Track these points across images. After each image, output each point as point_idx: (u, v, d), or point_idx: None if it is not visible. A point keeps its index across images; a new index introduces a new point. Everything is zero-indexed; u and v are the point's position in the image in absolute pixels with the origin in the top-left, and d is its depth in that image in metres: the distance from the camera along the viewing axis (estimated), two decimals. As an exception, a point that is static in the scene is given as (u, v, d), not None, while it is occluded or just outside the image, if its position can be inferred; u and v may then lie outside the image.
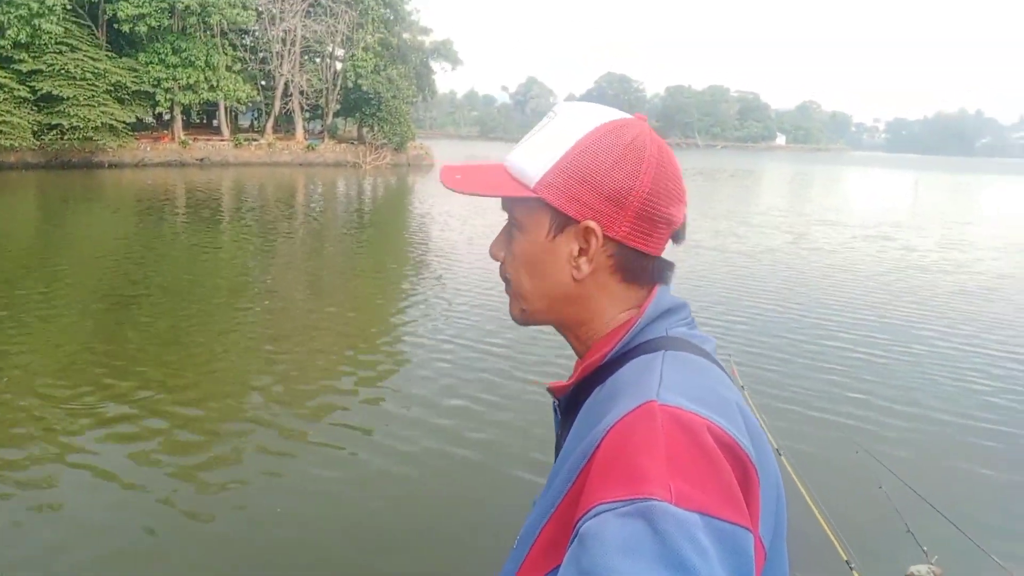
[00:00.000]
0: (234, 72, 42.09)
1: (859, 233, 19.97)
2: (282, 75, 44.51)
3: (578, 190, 0.87)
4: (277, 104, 45.37)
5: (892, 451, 5.77)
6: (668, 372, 0.80)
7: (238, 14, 39.52)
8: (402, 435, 6.00)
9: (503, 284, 0.97)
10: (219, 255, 14.14)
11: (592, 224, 0.87)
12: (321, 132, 49.73)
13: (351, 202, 26.74)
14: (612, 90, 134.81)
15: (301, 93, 45.79)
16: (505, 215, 0.95)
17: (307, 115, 49.85)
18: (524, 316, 0.96)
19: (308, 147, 45.07)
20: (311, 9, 44.58)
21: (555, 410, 1.01)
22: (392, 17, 49.03)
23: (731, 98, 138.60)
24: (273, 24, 42.97)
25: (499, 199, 0.93)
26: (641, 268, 0.91)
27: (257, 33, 44.00)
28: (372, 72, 45.03)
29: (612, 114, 0.91)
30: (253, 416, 6.30)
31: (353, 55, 45.47)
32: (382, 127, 46.35)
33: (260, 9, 42.07)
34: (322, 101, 48.04)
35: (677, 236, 0.94)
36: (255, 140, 44.14)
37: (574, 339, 0.96)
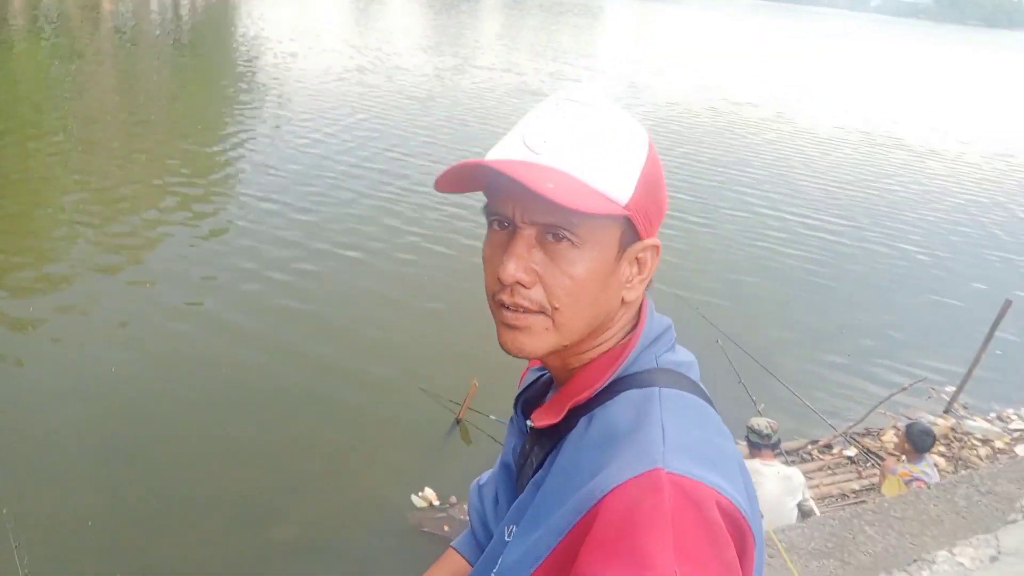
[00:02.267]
0: None
1: (681, 78, 20.86)
2: None
3: (651, 208, 0.83)
4: None
5: (722, 315, 6.37)
6: (669, 423, 0.76)
7: None
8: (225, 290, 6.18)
9: (510, 315, 0.82)
10: (15, 76, 12.76)
11: (658, 242, 0.85)
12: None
13: (166, 18, 24.35)
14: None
15: None
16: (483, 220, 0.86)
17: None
18: (552, 348, 0.83)
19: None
20: None
21: (517, 425, 0.98)
22: None
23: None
24: None
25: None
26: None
27: None
28: None
29: (639, 125, 0.85)
30: (58, 250, 6.23)
31: None
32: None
33: None
34: None
35: None
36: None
37: (559, 361, 0.88)
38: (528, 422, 0.90)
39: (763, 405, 5.03)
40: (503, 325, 0.82)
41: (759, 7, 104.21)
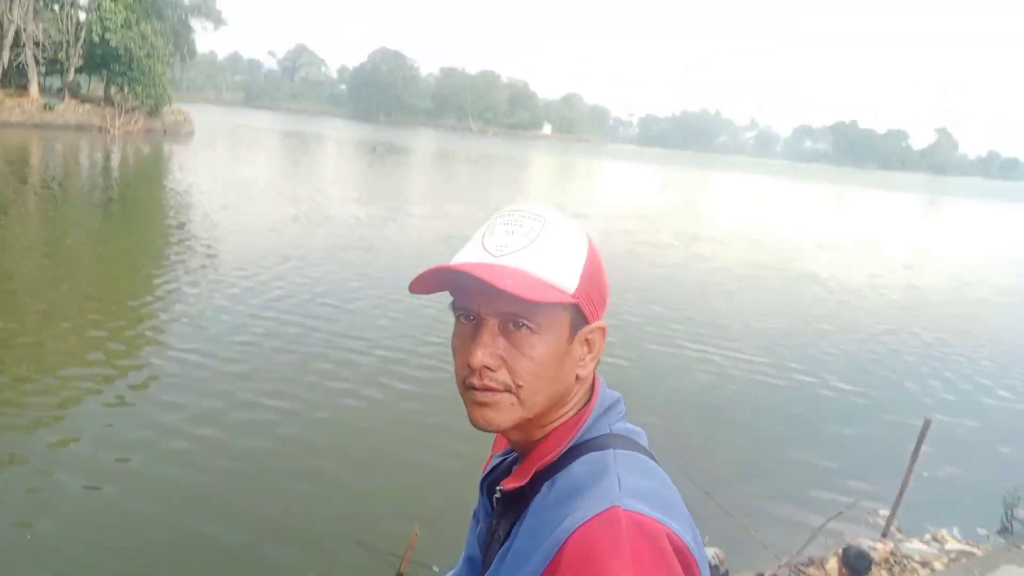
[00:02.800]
0: (-50, 14, 36.46)
1: (606, 226, 21.82)
2: (11, 22, 39.24)
3: (595, 296, 0.95)
4: (6, 55, 39.96)
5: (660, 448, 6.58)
6: (624, 474, 0.87)
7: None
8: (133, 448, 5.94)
9: (479, 394, 0.92)
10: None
11: (604, 324, 0.97)
12: (61, 90, 44.52)
13: (96, 172, 24.47)
14: (387, 65, 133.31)
15: (36, 44, 40.67)
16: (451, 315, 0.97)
17: (44, 70, 44.39)
18: (517, 422, 0.94)
19: (45, 107, 40.08)
20: (48, -51, 39.63)
21: (485, 495, 1.09)
22: (146, -32, 44.94)
23: (502, 85, 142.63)
24: (1, -37, 37.71)
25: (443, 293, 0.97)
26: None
27: (-20, -28, 38.28)
28: (123, 26, 41.10)
29: (581, 227, 0.99)
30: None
31: (100, 5, 41.14)
32: (133, 88, 42.47)
33: (-17, -59, 36.68)
34: (62, 55, 42.99)
35: None
36: (-24, 95, 38.44)
37: (522, 435, 0.98)
38: (497, 490, 1.00)
39: (707, 536, 5.00)
40: (473, 404, 0.93)
41: (670, 158, 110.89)
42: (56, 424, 5.99)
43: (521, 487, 0.96)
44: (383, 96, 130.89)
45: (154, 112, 43.76)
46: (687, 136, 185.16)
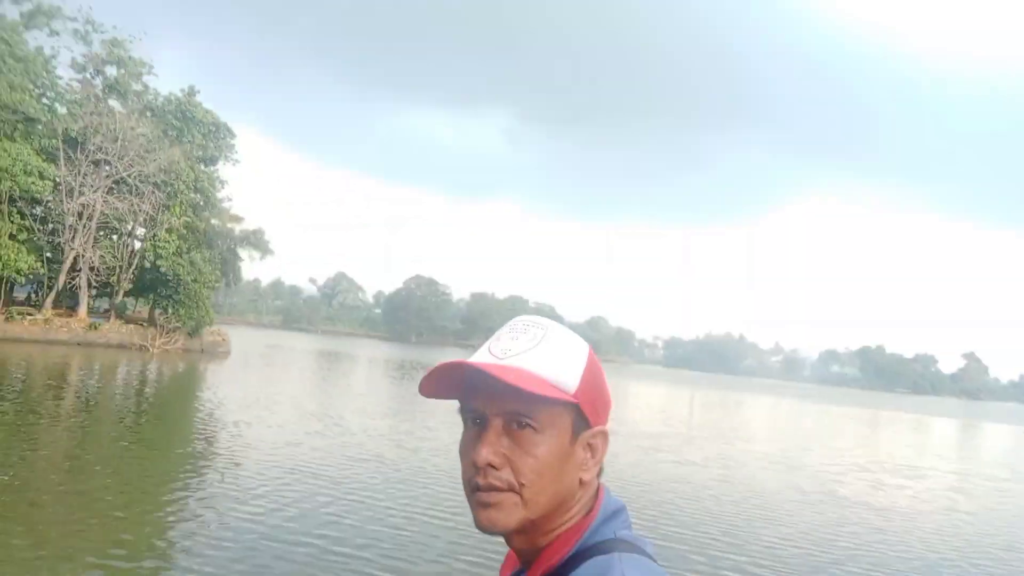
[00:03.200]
0: (18, 241, 39.36)
1: (634, 444, 21.42)
2: (72, 249, 42.14)
3: (597, 399, 0.99)
4: (62, 278, 42.50)
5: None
6: (629, 572, 0.87)
7: (33, 183, 37.70)
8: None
9: (483, 495, 0.95)
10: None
11: (607, 429, 1.00)
12: (108, 311, 46.76)
13: (130, 388, 24.98)
14: (420, 291, 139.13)
15: (92, 269, 43.35)
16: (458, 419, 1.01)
17: (95, 292, 46.95)
18: (521, 523, 0.95)
19: (91, 326, 41.95)
20: (115, 186, 43.39)
21: None
22: (202, 202, 48.79)
23: (530, 308, 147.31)
24: (71, 197, 41.25)
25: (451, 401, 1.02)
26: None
27: (51, 204, 41.81)
28: (174, 254, 43.91)
29: (581, 339, 1.05)
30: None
31: (155, 235, 44.27)
32: (177, 310, 44.49)
33: (59, 180, 40.37)
34: (113, 279, 45.64)
35: None
36: (31, 315, 40.51)
37: (527, 542, 0.99)
38: None
39: None
40: (478, 505, 0.95)
41: (698, 380, 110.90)
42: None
43: None
44: (415, 319, 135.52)
45: (195, 332, 45.41)
46: (712, 359, 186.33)
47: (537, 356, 0.97)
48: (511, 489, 0.94)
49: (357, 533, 9.30)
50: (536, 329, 1.00)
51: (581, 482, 0.98)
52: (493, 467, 0.94)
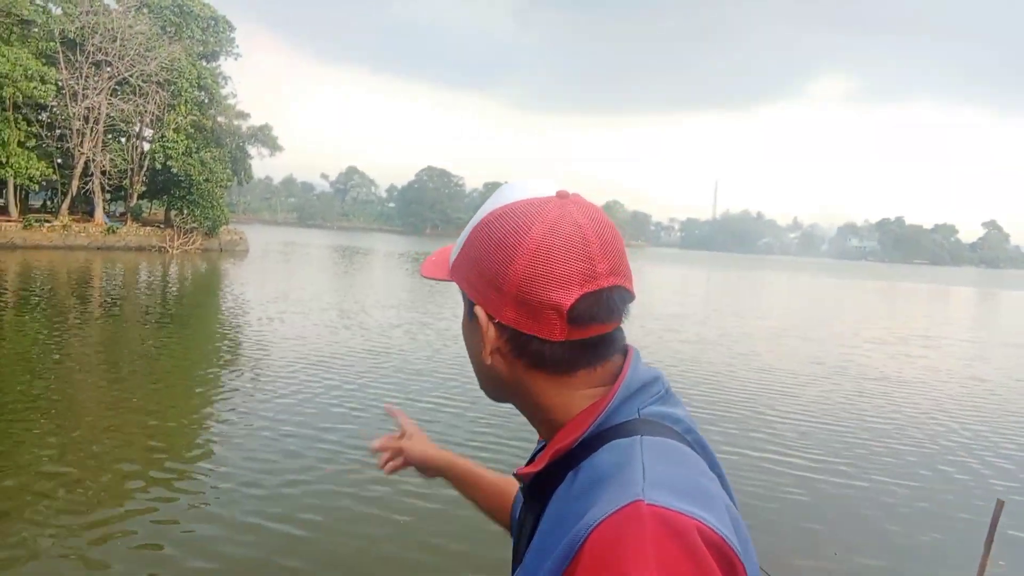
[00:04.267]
0: (27, 148, 39.16)
1: (647, 326, 21.68)
2: (82, 154, 41.96)
3: (471, 275, 0.88)
4: (75, 184, 42.55)
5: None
6: (650, 462, 0.77)
7: (35, 88, 37.13)
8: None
9: None
10: None
11: (478, 309, 0.87)
12: (124, 215, 46.98)
13: (154, 290, 25.39)
14: (433, 183, 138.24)
15: (103, 173, 43.27)
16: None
17: (109, 196, 47.04)
18: (486, 393, 0.98)
19: (108, 230, 42.26)
20: (118, 87, 42.69)
21: (520, 493, 1.00)
22: (207, 100, 48.02)
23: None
24: (75, 101, 40.70)
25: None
26: (561, 356, 0.87)
27: (56, 109, 41.32)
28: (183, 154, 43.65)
29: (520, 193, 0.89)
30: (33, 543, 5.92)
31: (163, 136, 43.87)
32: (192, 211, 44.64)
33: (61, 84, 39.72)
34: (126, 182, 45.59)
35: (612, 314, 0.87)
36: (48, 222, 40.78)
37: (536, 424, 0.94)
38: (514, 475, 0.94)
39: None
40: None
41: (714, 260, 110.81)
42: (102, 527, 5.98)
43: (538, 475, 0.88)
44: (429, 211, 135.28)
45: (211, 232, 45.69)
46: (730, 238, 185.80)
47: (463, 235, 0.93)
48: None
49: (375, 424, 9.60)
50: (487, 204, 0.92)
51: (487, 364, 0.90)
52: None
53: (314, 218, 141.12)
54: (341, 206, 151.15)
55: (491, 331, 0.87)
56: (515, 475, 0.94)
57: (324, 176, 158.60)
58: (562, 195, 0.88)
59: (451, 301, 22.51)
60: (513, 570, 0.94)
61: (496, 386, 0.93)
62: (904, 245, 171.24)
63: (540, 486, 0.88)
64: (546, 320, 0.84)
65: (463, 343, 0.96)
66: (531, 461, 0.97)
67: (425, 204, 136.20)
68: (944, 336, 24.92)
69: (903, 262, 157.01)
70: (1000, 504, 5.21)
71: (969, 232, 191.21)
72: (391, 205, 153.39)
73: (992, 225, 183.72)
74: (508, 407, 0.95)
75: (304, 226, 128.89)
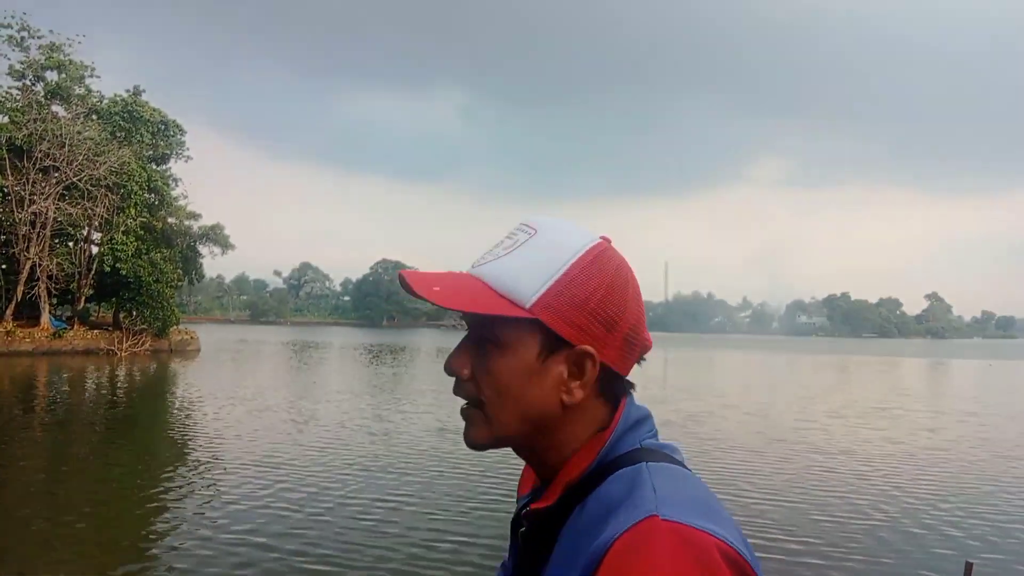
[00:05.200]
0: (-31, 255, 38.31)
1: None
2: (28, 258, 41.17)
3: (575, 315, 0.85)
4: (20, 289, 41.56)
5: None
6: (660, 484, 0.79)
7: (-21, 195, 36.65)
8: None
9: (462, 401, 0.92)
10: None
11: (591, 349, 0.86)
12: (71, 318, 45.87)
13: (101, 394, 24.60)
14: (388, 276, 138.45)
15: (50, 277, 42.42)
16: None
17: (55, 300, 45.99)
18: (491, 440, 0.90)
19: (55, 334, 41.17)
20: (66, 192, 42.33)
21: (516, 535, 0.98)
22: (157, 202, 47.91)
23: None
24: (21, 207, 40.20)
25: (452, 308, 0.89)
26: (617, 388, 0.91)
27: (1, 215, 40.71)
28: (133, 256, 43.13)
29: (589, 235, 0.90)
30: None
31: (112, 239, 43.38)
32: (142, 312, 43.86)
33: (7, 190, 39.29)
34: (73, 285, 44.70)
35: (641, 358, 0.95)
36: (-10, 328, 39.49)
37: (539, 460, 0.93)
38: (522, 515, 0.93)
39: None
40: (462, 417, 0.92)
41: (671, 339, 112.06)
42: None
43: (548, 511, 0.87)
44: (385, 303, 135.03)
45: (161, 333, 44.79)
46: (683, 318, 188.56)
47: (504, 264, 0.87)
48: (475, 405, 0.89)
49: (334, 529, 9.31)
50: (524, 232, 0.89)
51: (563, 404, 0.87)
52: (461, 378, 0.90)
53: (267, 315, 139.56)
54: (295, 302, 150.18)
55: (592, 371, 0.87)
56: (523, 516, 0.94)
57: (277, 272, 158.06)
58: (606, 239, 0.94)
59: (402, 389, 22.16)
60: None
61: (536, 429, 0.89)
62: (852, 320, 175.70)
63: (546, 525, 0.88)
64: (633, 357, 0.92)
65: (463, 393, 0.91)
66: (522, 510, 0.98)
67: (380, 296, 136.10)
68: (902, 407, 25.32)
69: (852, 335, 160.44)
70: (969, 566, 5.23)
71: (913, 304, 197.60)
72: (346, 299, 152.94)
73: (934, 297, 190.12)
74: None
75: (257, 323, 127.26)
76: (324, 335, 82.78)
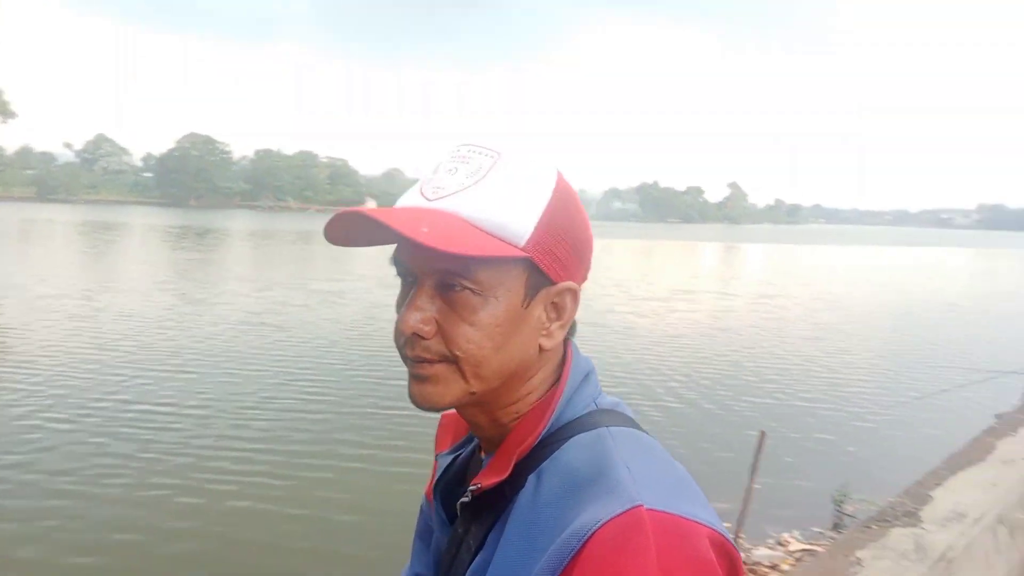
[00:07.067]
0: None
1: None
2: None
3: (560, 249, 0.78)
4: None
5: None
6: (631, 460, 0.73)
7: None
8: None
9: (416, 367, 0.79)
10: None
11: (574, 285, 0.81)
12: None
13: None
14: (196, 151, 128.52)
15: None
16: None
17: None
18: (465, 398, 0.79)
19: None
20: None
21: (440, 504, 0.91)
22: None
23: (321, 163, 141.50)
24: None
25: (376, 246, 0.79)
26: (571, 328, 0.85)
27: None
28: None
29: (551, 161, 0.83)
30: None
31: None
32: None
33: None
34: None
35: None
36: None
37: (490, 420, 0.84)
38: (468, 492, 0.81)
39: None
40: (411, 378, 0.79)
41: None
42: None
43: (500, 483, 0.78)
44: (193, 181, 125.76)
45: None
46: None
47: (477, 196, 0.75)
48: (444, 360, 0.77)
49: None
50: (482, 157, 0.77)
51: (541, 349, 0.80)
52: (422, 336, 0.76)
53: (57, 192, 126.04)
54: (89, 177, 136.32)
55: (573, 308, 0.82)
56: (439, 491, 0.89)
57: (68, 145, 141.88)
58: None
59: (221, 271, 21.14)
60: None
61: (508, 381, 0.80)
62: (661, 207, 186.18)
63: (490, 497, 0.79)
64: (576, 298, 0.84)
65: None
66: (445, 473, 0.93)
67: (188, 173, 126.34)
68: (702, 289, 27.48)
69: (659, 221, 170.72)
70: (763, 434, 5.83)
71: (715, 192, 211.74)
72: (148, 175, 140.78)
73: (734, 186, 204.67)
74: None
75: (45, 201, 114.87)
76: (125, 215, 76.24)
